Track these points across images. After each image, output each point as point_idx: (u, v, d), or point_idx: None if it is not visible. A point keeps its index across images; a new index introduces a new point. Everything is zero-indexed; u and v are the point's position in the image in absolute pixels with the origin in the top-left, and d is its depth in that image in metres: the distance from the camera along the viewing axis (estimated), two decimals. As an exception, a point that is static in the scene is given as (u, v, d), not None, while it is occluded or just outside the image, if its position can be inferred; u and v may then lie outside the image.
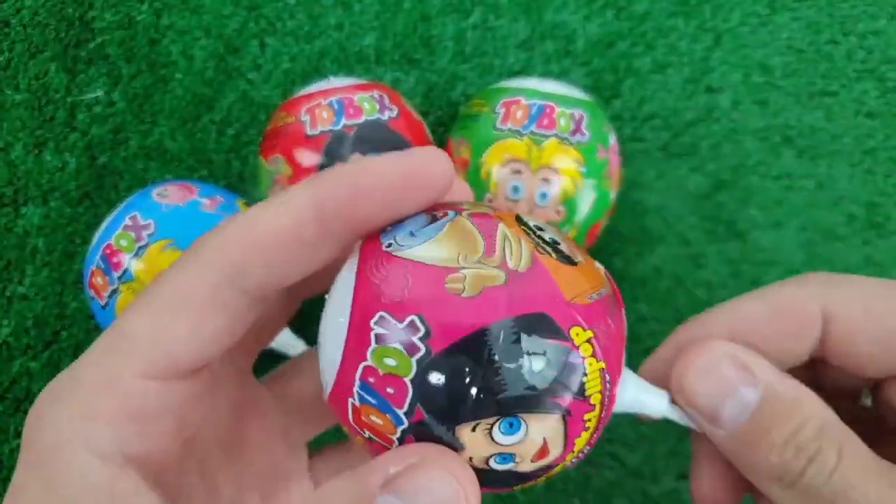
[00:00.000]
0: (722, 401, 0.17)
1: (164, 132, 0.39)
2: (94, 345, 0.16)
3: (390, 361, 0.15)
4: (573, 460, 0.17)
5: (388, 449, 0.16)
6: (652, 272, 0.37)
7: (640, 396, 0.18)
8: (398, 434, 0.16)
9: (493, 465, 0.16)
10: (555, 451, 0.16)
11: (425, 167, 0.16)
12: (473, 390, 0.15)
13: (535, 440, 0.16)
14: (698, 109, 0.40)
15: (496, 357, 0.15)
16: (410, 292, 0.15)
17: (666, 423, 0.18)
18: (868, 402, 0.21)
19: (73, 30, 0.40)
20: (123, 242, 0.30)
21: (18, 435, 0.35)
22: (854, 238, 0.38)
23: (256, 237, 0.16)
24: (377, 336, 0.15)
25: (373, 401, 0.15)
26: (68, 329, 0.36)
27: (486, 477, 0.16)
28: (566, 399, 0.15)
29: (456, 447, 0.16)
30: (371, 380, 0.15)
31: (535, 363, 0.15)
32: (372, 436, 0.16)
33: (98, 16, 0.40)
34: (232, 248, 0.16)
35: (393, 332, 0.15)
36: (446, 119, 0.40)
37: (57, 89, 0.39)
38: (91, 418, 0.16)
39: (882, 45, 0.41)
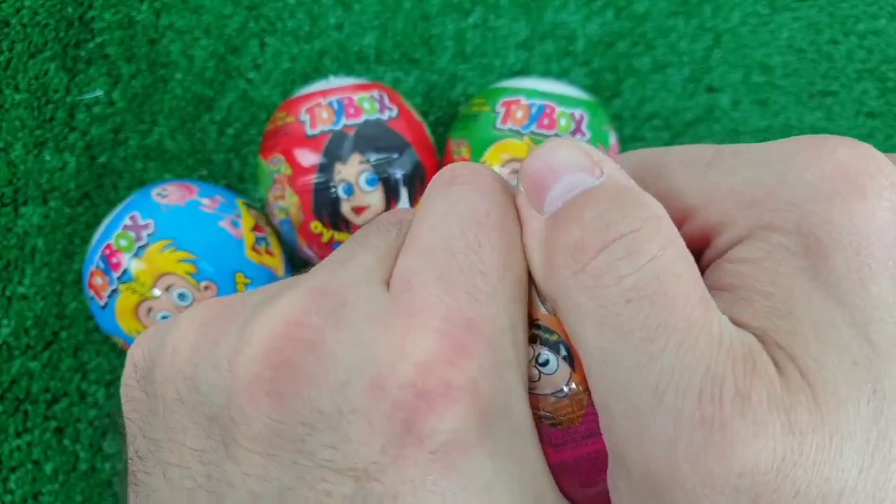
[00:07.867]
0: (554, 179, 0.13)
1: (164, 132, 0.39)
2: None
3: None
4: None
5: None
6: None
7: None
8: None
9: None
10: None
11: None
12: None
13: None
14: (699, 109, 0.40)
15: None
16: None
17: None
18: None
19: (73, 29, 0.40)
20: (123, 242, 0.30)
21: (18, 434, 0.35)
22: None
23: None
24: None
25: None
26: (68, 329, 0.36)
27: None
28: None
29: None
30: None
31: None
32: None
33: (98, 15, 0.40)
34: None
35: None
36: (446, 119, 0.40)
37: (56, 89, 0.39)
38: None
39: (882, 45, 0.41)
